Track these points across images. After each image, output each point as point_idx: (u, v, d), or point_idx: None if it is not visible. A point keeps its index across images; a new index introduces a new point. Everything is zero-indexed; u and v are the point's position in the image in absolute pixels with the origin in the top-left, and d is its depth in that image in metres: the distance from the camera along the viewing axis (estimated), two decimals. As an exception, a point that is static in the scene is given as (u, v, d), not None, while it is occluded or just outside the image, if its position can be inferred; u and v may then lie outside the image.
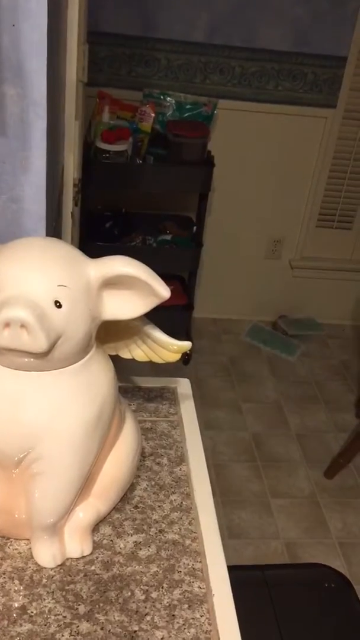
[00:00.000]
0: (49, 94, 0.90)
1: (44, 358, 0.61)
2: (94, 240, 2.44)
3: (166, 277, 2.84)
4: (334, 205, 2.97)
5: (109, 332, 0.76)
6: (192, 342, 2.76)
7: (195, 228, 2.66)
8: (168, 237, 2.63)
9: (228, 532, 2.07)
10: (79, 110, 1.27)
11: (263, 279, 3.09)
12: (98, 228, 2.54)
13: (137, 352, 0.79)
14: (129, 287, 0.66)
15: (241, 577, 1.10)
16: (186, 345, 0.77)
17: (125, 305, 0.67)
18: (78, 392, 0.66)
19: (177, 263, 2.73)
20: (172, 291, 2.66)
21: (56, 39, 1.07)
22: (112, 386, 0.70)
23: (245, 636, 0.94)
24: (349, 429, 2.51)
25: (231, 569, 0.91)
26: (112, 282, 0.65)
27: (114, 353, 0.80)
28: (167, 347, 0.77)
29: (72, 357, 0.64)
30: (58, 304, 0.60)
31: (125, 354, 0.80)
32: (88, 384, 0.67)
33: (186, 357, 2.81)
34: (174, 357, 0.78)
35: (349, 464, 2.34)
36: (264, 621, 0.99)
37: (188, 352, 2.84)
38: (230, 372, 2.83)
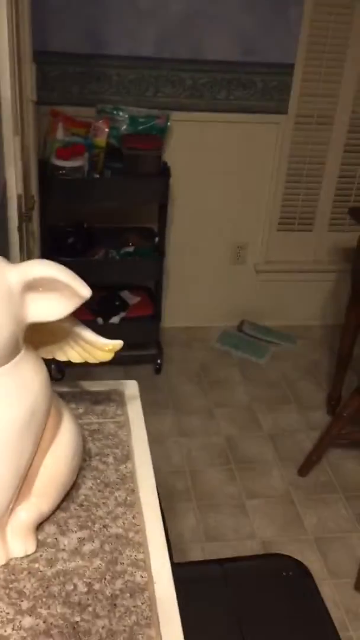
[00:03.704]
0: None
1: (-31, 361, 0.63)
2: (57, 256, 2.46)
3: (132, 289, 2.88)
4: (294, 209, 3.03)
5: (42, 335, 0.78)
6: (162, 351, 2.78)
7: (157, 239, 2.70)
8: (130, 249, 2.66)
9: (205, 536, 2.09)
10: (17, 126, 1.29)
11: (229, 285, 3.13)
12: (61, 244, 2.57)
13: (71, 353, 0.81)
14: (52, 289, 0.68)
15: (201, 571, 1.12)
16: (117, 344, 0.79)
17: (50, 308, 0.69)
18: (8, 393, 0.68)
19: (142, 274, 2.77)
20: (139, 302, 2.72)
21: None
22: (44, 387, 0.72)
23: (205, 630, 0.96)
24: (321, 426, 2.55)
25: (191, 565, 0.93)
26: (35, 286, 0.67)
27: (50, 356, 0.82)
28: (99, 347, 0.80)
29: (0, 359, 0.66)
30: (-22, 309, 0.62)
31: (60, 357, 0.82)
32: (18, 385, 0.69)
33: (157, 366, 2.83)
34: (108, 356, 0.80)
35: (322, 461, 2.37)
36: (223, 615, 1.01)
37: (159, 361, 2.82)
38: (201, 378, 2.86)
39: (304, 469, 2.35)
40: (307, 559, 1.72)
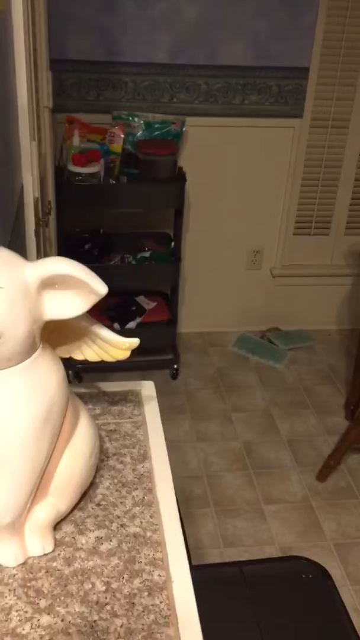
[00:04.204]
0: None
1: (-14, 359, 0.64)
2: (74, 262, 2.47)
3: (149, 294, 2.88)
4: (310, 213, 3.02)
5: (59, 334, 0.79)
6: (179, 356, 2.77)
7: (173, 244, 2.70)
8: (147, 254, 2.67)
9: (223, 541, 2.07)
10: (34, 131, 1.31)
11: (245, 290, 3.12)
12: (77, 250, 2.58)
13: (88, 352, 0.81)
14: (68, 287, 0.68)
15: (220, 574, 1.11)
16: (134, 342, 0.79)
17: (66, 305, 0.69)
18: (25, 391, 0.68)
19: (158, 279, 2.77)
20: (155, 307, 2.72)
21: (2, 68, 1.11)
22: (61, 385, 0.72)
23: (224, 631, 0.95)
24: (339, 431, 2.52)
25: (210, 567, 0.92)
26: (51, 283, 0.68)
27: (67, 355, 0.82)
28: (117, 345, 0.79)
29: (15, 357, 0.66)
30: (-6, 306, 0.63)
31: (77, 355, 0.82)
32: (35, 383, 0.69)
33: (174, 372, 2.83)
34: (125, 354, 0.80)
35: (340, 465, 2.35)
36: (243, 617, 1.00)
37: (176, 367, 2.82)
38: (218, 383, 2.85)
39: (323, 474, 2.33)
40: (326, 565, 1.69)
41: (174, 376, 2.83)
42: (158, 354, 2.82)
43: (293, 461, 2.42)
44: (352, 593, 1.90)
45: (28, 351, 0.68)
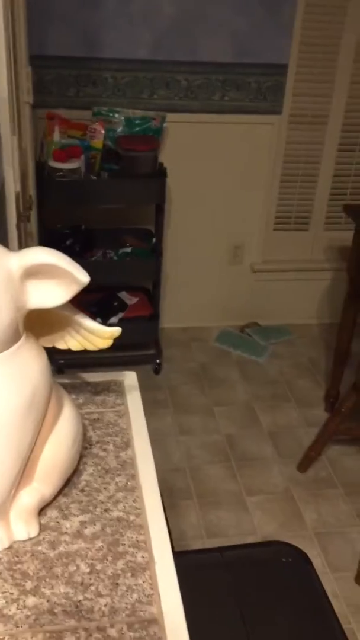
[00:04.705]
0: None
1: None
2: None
3: (131, 289, 2.89)
4: (289, 208, 3.05)
5: (43, 324, 0.80)
6: (161, 351, 2.79)
7: (154, 239, 2.72)
8: (128, 250, 2.68)
9: (206, 532, 2.10)
10: (15, 126, 1.31)
11: (227, 285, 3.15)
12: (59, 245, 2.57)
13: (72, 342, 0.83)
14: (51, 276, 0.70)
15: (201, 560, 1.13)
16: (116, 330, 0.81)
17: (49, 294, 0.71)
18: (8, 379, 0.69)
19: (140, 275, 2.79)
20: (137, 303, 2.74)
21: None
22: (44, 373, 0.74)
23: (207, 615, 0.97)
24: (319, 423, 2.56)
25: (191, 553, 0.94)
26: (34, 272, 0.69)
27: (50, 345, 0.84)
28: (99, 335, 0.81)
29: (-1, 344, 0.68)
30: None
31: (61, 345, 0.84)
32: (18, 371, 0.70)
33: (157, 367, 2.85)
34: (107, 343, 0.82)
35: (321, 456, 2.39)
36: (224, 600, 1.03)
37: (158, 361, 2.83)
38: (201, 377, 2.88)
39: (303, 465, 2.37)
40: (308, 553, 1.73)
41: (157, 371, 2.85)
42: (140, 349, 2.84)
43: (275, 453, 2.46)
44: (333, 580, 1.94)
45: (11, 340, 0.69)
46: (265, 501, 2.24)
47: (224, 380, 2.87)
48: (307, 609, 1.05)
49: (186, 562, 0.96)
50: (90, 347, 0.83)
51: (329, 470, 2.38)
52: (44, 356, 0.76)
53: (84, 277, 0.69)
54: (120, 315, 2.72)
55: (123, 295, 2.82)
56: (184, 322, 3.18)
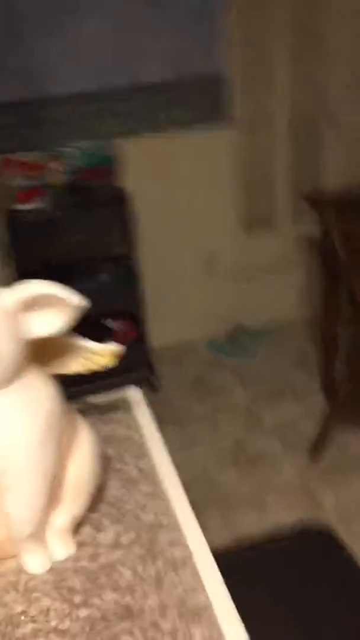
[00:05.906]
0: None
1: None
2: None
3: (115, 315, 2.90)
4: (256, 210, 3.13)
5: (44, 353, 0.84)
6: (155, 370, 2.81)
7: (130, 262, 2.76)
8: (106, 278, 2.73)
9: (231, 536, 2.12)
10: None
11: (207, 294, 3.20)
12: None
13: (75, 365, 0.87)
14: (47, 305, 0.74)
15: (233, 557, 1.16)
16: (115, 348, 0.85)
17: (48, 323, 0.74)
18: (23, 408, 0.73)
19: (121, 301, 2.82)
20: (122, 328, 2.76)
21: None
22: (55, 398, 0.77)
23: (247, 606, 1.00)
24: (321, 412, 2.60)
25: (223, 553, 0.97)
26: (31, 304, 0.73)
27: (55, 372, 0.87)
28: (101, 354, 0.85)
29: (7, 378, 0.71)
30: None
31: (65, 370, 0.87)
32: (31, 399, 0.74)
33: (153, 385, 2.88)
34: (112, 360, 0.86)
35: (330, 444, 2.43)
36: (261, 590, 1.05)
37: (153, 380, 2.85)
38: (198, 388, 2.91)
39: (314, 455, 2.40)
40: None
41: (154, 389, 2.88)
42: (134, 371, 2.86)
43: (283, 448, 2.49)
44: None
45: (19, 371, 0.73)
46: (283, 496, 2.27)
47: (221, 387, 2.91)
48: (347, 591, 1.08)
49: (218, 560, 0.99)
50: (95, 368, 0.87)
51: (340, 456, 2.41)
52: (52, 382, 0.80)
53: (80, 301, 0.74)
54: (109, 342, 2.75)
55: (109, 322, 2.85)
56: (172, 338, 3.22)
